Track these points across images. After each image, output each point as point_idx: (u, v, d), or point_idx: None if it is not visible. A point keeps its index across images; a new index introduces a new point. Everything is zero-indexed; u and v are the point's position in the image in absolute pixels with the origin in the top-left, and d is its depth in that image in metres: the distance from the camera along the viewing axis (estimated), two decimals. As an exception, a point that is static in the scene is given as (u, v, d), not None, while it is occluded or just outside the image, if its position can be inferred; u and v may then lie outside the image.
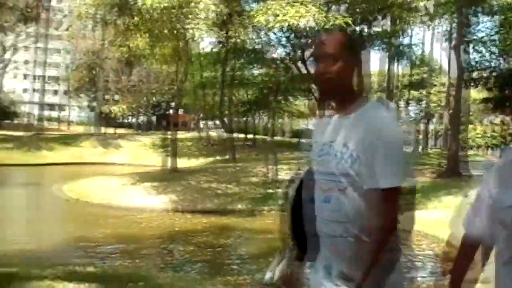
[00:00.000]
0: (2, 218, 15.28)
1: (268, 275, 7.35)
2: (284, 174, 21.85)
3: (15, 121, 53.45)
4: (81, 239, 12.75)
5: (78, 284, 5.89)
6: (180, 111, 41.74)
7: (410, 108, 51.46)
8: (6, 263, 7.27)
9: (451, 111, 24.06)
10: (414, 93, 46.92)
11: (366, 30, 25.00)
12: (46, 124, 49.93)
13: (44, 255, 10.83)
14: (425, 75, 45.79)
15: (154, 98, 56.86)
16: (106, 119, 50.47)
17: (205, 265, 11.26)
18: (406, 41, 36.51)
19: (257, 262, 11.62)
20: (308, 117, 53.00)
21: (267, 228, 15.63)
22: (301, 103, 48.70)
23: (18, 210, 17.13)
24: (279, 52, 36.44)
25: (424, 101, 47.65)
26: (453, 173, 20.68)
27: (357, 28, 23.64)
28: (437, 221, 15.69)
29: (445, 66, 46.59)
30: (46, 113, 59.31)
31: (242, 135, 39.78)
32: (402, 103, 52.48)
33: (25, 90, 70.49)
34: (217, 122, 55.70)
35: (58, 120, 63.99)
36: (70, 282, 5.94)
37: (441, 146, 48.44)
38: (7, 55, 49.15)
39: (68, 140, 39.15)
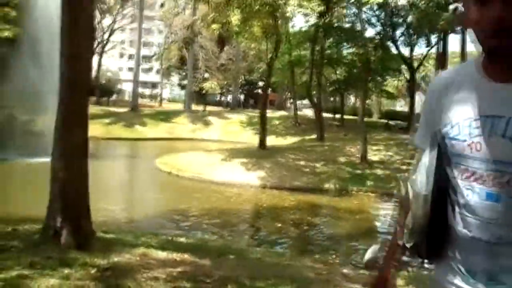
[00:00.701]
0: (100, 189, 16.13)
1: (368, 256, 7.04)
2: (373, 155, 21.31)
3: (112, 98, 56.40)
4: (175, 211, 13.12)
5: (170, 253, 5.99)
6: (269, 90, 41.84)
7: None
8: (104, 229, 7.57)
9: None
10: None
11: None
12: (140, 101, 52.12)
13: (140, 224, 11.28)
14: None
15: (242, 77, 57.53)
16: (196, 97, 51.80)
17: (293, 242, 11.18)
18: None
19: (344, 242, 11.42)
20: (396, 98, 51.26)
21: (355, 209, 15.37)
22: (390, 84, 47.14)
23: (115, 181, 17.98)
24: (370, 31, 35.53)
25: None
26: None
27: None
28: None
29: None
30: (140, 90, 61.98)
31: (330, 115, 39.22)
32: None
33: (120, 69, 74.07)
34: (304, 101, 55.53)
35: (151, 97, 66.74)
36: (163, 250, 6.07)
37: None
38: (105, 36, 51.62)
39: (160, 116, 40.63)
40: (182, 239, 8.09)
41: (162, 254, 5.89)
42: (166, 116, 40.80)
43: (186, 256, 6.02)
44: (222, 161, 19.95)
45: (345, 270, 7.19)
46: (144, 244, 6.49)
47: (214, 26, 22.37)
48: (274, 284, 5.17)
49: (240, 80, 57.30)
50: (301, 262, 7.47)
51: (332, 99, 46.66)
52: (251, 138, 32.08)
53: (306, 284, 5.47)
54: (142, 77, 65.00)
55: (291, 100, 51.11)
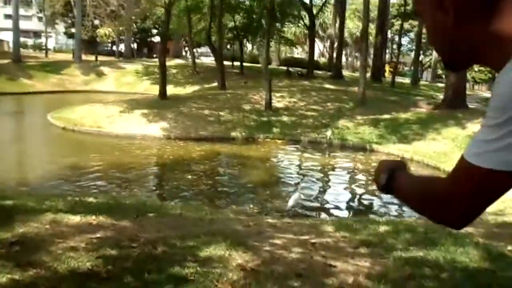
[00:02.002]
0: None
1: (290, 203, 6.83)
2: (277, 101, 21.32)
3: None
4: (74, 168, 12.12)
5: (84, 216, 5.34)
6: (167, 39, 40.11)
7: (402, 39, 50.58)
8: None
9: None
10: (406, 24, 45.73)
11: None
12: (22, 52, 47.88)
13: (39, 186, 10.28)
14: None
15: (135, 25, 54.82)
16: (86, 47, 48.63)
17: (207, 194, 10.82)
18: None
19: (258, 190, 11.26)
20: (295, 45, 51.79)
21: (263, 156, 15.31)
22: (288, 31, 47.37)
23: (4, 141, 16.28)
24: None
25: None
26: (451, 105, 20.21)
27: None
28: (436, 152, 15.53)
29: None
30: (22, 40, 56.87)
31: (229, 63, 38.68)
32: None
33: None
34: (200, 50, 54.34)
35: (35, 47, 61.59)
36: (73, 214, 5.39)
37: (431, 78, 48.10)
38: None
39: (48, 67, 37.63)
40: (92, 199, 7.37)
41: (75, 219, 5.22)
42: (54, 67, 37.87)
43: (102, 218, 5.40)
44: (121, 113, 18.85)
45: (269, 220, 6.99)
46: (51, 208, 5.74)
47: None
48: (206, 242, 4.76)
49: (133, 28, 54.52)
50: (223, 215, 7.14)
51: (229, 46, 45.99)
52: (149, 89, 30.90)
53: (240, 238, 5.13)
54: (23, 25, 59.59)
55: (187, 48, 49.81)
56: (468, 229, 6.73)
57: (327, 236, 5.58)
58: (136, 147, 15.38)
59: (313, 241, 5.26)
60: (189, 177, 11.84)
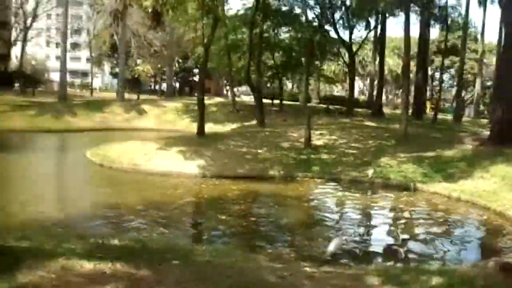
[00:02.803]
0: (24, 184, 14.45)
1: (331, 248, 6.08)
2: (317, 139, 20.72)
3: (40, 89, 52.80)
4: (107, 207, 11.75)
5: (99, 263, 4.82)
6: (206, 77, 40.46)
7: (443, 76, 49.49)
8: (20, 235, 6.25)
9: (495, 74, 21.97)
10: (446, 60, 44.75)
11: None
12: (70, 91, 49.15)
13: (69, 223, 9.91)
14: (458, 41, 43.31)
15: (177, 64, 55.87)
16: (130, 86, 49.67)
17: (241, 237, 10.18)
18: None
19: (297, 232, 10.55)
20: (335, 82, 51.41)
21: (302, 195, 14.60)
22: (327, 69, 47.11)
23: (39, 176, 16.19)
24: (308, 14, 35.01)
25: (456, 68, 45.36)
26: (499, 141, 19.03)
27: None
28: (486, 191, 14.47)
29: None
30: (70, 80, 58.64)
31: (268, 101, 38.47)
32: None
33: (48, 57, 69.85)
34: (241, 88, 54.65)
35: (82, 86, 63.35)
36: (89, 259, 4.88)
37: (473, 114, 46.61)
38: (28, 22, 48.25)
39: (91, 106, 38.34)
40: (115, 242, 6.89)
41: (87, 266, 4.72)
42: (98, 106, 38.56)
43: (118, 266, 4.88)
44: (158, 150, 18.59)
45: (307, 268, 6.29)
46: (66, 252, 5.27)
47: (145, 3, 20.71)
48: (231, 297, 4.15)
49: (175, 68, 55.50)
50: (256, 262, 6.49)
51: (269, 85, 46.00)
52: (189, 126, 30.81)
53: (269, 293, 4.49)
54: (72, 65, 61.66)
55: (228, 87, 50.14)
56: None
57: (372, 292, 4.86)
58: (171, 185, 14.97)
59: (356, 297, 4.56)
60: (223, 217, 11.24)
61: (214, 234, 10.18)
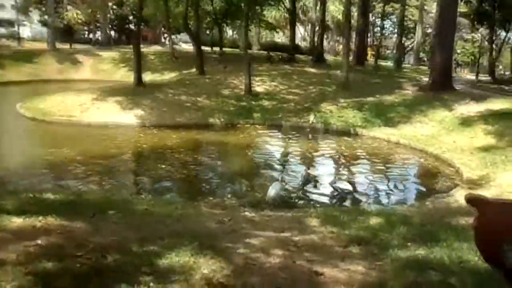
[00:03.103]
0: None
1: (270, 194, 6.02)
2: (257, 86, 20.59)
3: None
4: (41, 160, 11.25)
5: (29, 217, 4.55)
6: (142, 24, 38.89)
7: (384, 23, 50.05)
8: None
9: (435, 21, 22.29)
10: (388, 7, 45.12)
11: None
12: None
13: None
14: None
15: (112, 11, 53.48)
16: (62, 35, 47.16)
17: (182, 186, 10.07)
18: None
19: (237, 180, 10.53)
20: (276, 29, 50.86)
21: (243, 143, 14.55)
22: (268, 15, 46.41)
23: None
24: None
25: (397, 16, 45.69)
26: (438, 87, 19.56)
27: None
28: (424, 135, 14.96)
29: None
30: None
31: (208, 49, 37.65)
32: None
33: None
34: (179, 36, 53.14)
35: (8, 37, 59.58)
36: (19, 215, 4.60)
37: (414, 61, 47.65)
38: None
39: (21, 57, 36.20)
40: (49, 195, 6.57)
41: (17, 221, 4.45)
42: (27, 57, 36.41)
43: (51, 219, 4.63)
44: (94, 101, 17.89)
45: (247, 213, 6.27)
46: (-5, 208, 4.96)
47: None
48: (169, 245, 4.03)
49: (109, 15, 53.05)
50: (196, 210, 6.40)
51: (209, 32, 44.92)
52: (126, 76, 29.80)
53: (210, 239, 4.39)
54: (-4, 14, 57.73)
55: (166, 35, 48.67)
56: (469, 220, 6.11)
57: (311, 232, 4.88)
58: (109, 137, 14.49)
59: (295, 238, 4.56)
60: (163, 167, 11.04)
61: (154, 184, 10.00)
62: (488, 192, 8.40)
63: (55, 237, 4.08)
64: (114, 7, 53.82)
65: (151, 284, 3.02)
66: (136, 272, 3.32)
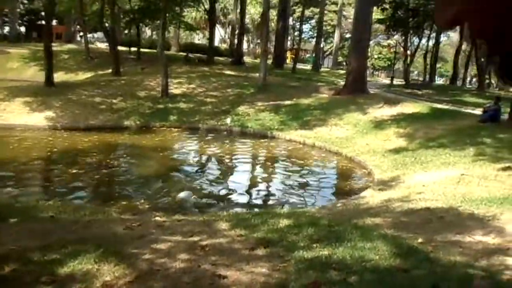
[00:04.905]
0: None
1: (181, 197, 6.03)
2: (175, 88, 20.43)
3: None
4: None
5: None
6: (53, 19, 37.25)
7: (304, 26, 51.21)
8: None
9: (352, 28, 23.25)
10: (307, 11, 46.20)
11: None
12: None
13: None
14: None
15: (21, 6, 50.84)
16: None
17: (93, 190, 9.77)
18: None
19: (151, 183, 10.37)
20: (195, 30, 50.62)
21: (158, 145, 14.34)
22: (187, 16, 46.14)
23: None
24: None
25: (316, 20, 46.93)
26: (352, 91, 20.32)
27: None
28: (338, 138, 15.50)
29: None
30: None
31: (125, 48, 36.78)
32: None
33: None
34: (96, 35, 51.50)
35: None
36: None
37: (332, 64, 49.19)
38: None
39: None
40: None
41: None
42: None
43: None
44: (0, 101, 16.93)
45: (158, 218, 6.22)
46: None
47: None
48: (73, 253, 3.92)
49: (19, 10, 50.39)
50: (106, 215, 6.26)
51: (126, 31, 43.87)
52: (37, 75, 28.38)
53: (116, 245, 4.32)
54: None
55: (81, 33, 46.94)
56: (376, 220, 6.41)
57: (220, 236, 4.92)
58: (16, 140, 13.75)
59: (204, 243, 4.58)
60: (74, 171, 10.65)
61: (64, 189, 9.62)
62: (396, 192, 8.86)
63: None
64: (25, 0, 51.27)
65: (50, 293, 2.92)
66: (35, 282, 3.22)
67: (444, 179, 9.10)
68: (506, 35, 0.57)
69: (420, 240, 5.04)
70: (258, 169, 13.08)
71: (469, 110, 16.89)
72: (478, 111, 15.47)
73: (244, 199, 9.65)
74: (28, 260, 3.71)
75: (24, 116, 15.77)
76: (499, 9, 0.55)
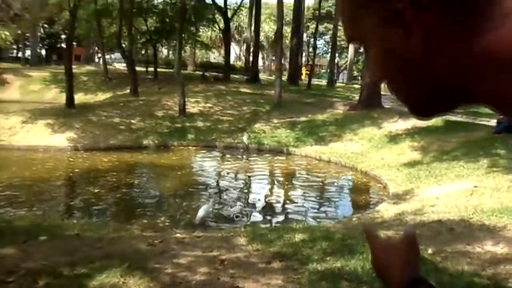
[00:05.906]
0: None
1: (200, 215, 6.32)
2: (192, 107, 20.81)
3: None
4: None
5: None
6: (74, 42, 38.22)
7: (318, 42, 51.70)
8: None
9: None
10: (321, 26, 46.67)
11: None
12: None
13: None
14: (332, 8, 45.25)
15: (42, 29, 52.16)
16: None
17: (115, 209, 10.10)
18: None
19: (170, 201, 10.68)
20: (211, 49, 51.34)
21: (176, 164, 14.68)
22: (203, 35, 46.85)
23: None
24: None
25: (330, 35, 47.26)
26: (367, 105, 20.43)
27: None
28: (354, 153, 15.67)
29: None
30: None
31: (142, 69, 37.51)
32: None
33: None
34: (114, 55, 52.49)
35: None
36: None
37: (347, 79, 49.35)
38: None
39: None
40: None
41: None
42: (-50, 76, 34.89)
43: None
44: (23, 123, 17.46)
45: (178, 235, 6.49)
46: None
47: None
48: (99, 268, 4.21)
49: (40, 34, 51.73)
50: (128, 232, 6.55)
51: (143, 51, 44.74)
52: (58, 97, 29.20)
53: (139, 260, 4.60)
54: None
55: (100, 55, 47.92)
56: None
57: (238, 251, 5.18)
58: (39, 161, 14.19)
59: (222, 257, 4.84)
60: (96, 191, 11.01)
61: (86, 208, 9.97)
62: (410, 205, 9.02)
63: (-15, 264, 4.16)
64: (45, 25, 52.53)
65: (81, 305, 3.20)
66: (67, 295, 3.50)
67: (457, 192, 9.24)
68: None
69: (429, 251, 5.22)
70: (275, 185, 13.31)
71: (483, 122, 16.92)
72: (493, 122, 15.51)
73: (261, 214, 9.89)
74: (59, 275, 4.00)
75: (46, 138, 16.26)
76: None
